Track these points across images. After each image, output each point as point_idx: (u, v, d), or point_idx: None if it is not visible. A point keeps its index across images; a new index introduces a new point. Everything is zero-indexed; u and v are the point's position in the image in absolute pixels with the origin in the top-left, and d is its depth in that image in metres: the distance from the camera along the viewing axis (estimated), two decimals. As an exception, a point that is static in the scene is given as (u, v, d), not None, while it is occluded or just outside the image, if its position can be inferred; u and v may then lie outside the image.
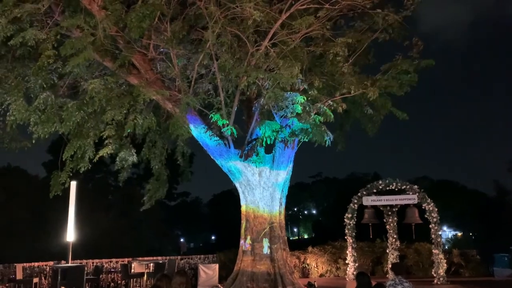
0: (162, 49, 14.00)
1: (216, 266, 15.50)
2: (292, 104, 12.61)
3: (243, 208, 14.05)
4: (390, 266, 15.53)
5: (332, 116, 14.07)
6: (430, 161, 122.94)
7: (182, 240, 66.13)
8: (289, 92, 12.79)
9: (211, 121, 13.55)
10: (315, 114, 13.59)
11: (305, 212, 78.06)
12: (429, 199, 14.95)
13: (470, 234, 51.09)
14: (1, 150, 13.81)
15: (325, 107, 13.61)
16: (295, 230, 78.34)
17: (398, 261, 15.56)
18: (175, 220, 57.22)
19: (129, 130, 12.87)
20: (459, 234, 51.61)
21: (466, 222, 49.46)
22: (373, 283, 6.00)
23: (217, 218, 62.80)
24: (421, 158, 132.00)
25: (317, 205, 74.75)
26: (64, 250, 13.64)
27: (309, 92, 13.88)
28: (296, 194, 62.43)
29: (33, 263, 13.41)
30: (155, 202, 15.79)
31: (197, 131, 13.70)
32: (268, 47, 12.93)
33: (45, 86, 12.87)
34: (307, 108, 12.76)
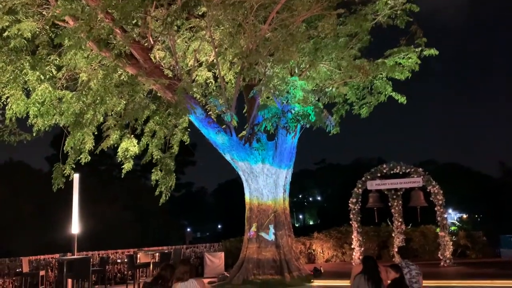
0: (160, 38, 13.85)
1: (222, 254, 15.51)
2: (294, 89, 12.45)
3: (246, 196, 13.99)
4: (396, 249, 15.48)
5: (336, 96, 13.98)
6: (435, 145, 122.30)
7: (189, 230, 66.49)
8: (289, 77, 12.66)
9: (208, 106, 13.47)
10: (317, 100, 13.48)
11: (310, 199, 78.09)
12: (434, 182, 14.82)
13: (476, 216, 51.03)
14: (3, 145, 13.74)
15: (328, 89, 13.51)
16: (301, 217, 78.50)
17: (404, 244, 15.51)
18: (181, 210, 57.39)
19: (127, 120, 12.75)
20: (465, 216, 51.57)
21: (472, 204, 49.36)
22: (380, 266, 5.91)
23: (223, 207, 63.00)
24: (425, 142, 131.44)
25: (322, 192, 74.73)
26: (71, 243, 13.63)
27: (312, 76, 13.77)
28: (300, 181, 62.37)
29: (39, 256, 13.43)
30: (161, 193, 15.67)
31: (198, 119, 13.57)
32: (268, 31, 12.77)
33: (43, 78, 12.75)
34: (307, 94, 12.61)
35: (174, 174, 15.21)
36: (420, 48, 13.55)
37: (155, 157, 15.04)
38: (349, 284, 6.14)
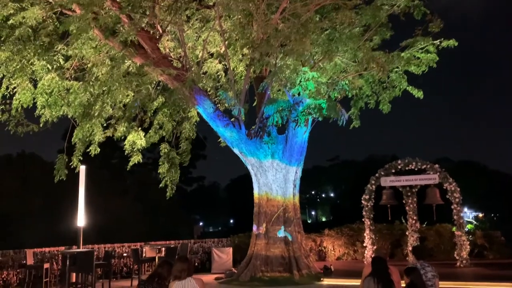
0: (169, 28, 13.55)
1: (230, 249, 15.20)
2: (305, 81, 12.01)
3: (255, 191, 13.64)
4: (410, 249, 14.99)
5: (350, 90, 13.51)
6: (449, 142, 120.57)
7: (201, 224, 66.54)
8: (301, 68, 12.23)
9: (219, 99, 13.13)
10: (332, 91, 13.01)
11: (323, 195, 77.61)
12: (451, 179, 14.26)
13: (492, 215, 49.97)
14: (16, 137, 13.61)
15: (342, 81, 13.04)
16: (313, 213, 78.07)
17: (419, 243, 14.99)
18: (193, 205, 57.42)
19: (132, 110, 12.50)
20: (481, 215, 50.61)
21: (488, 203, 48.37)
22: (390, 267, 5.49)
23: (235, 202, 62.83)
24: (440, 139, 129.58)
25: (335, 188, 74.20)
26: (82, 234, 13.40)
27: (325, 68, 13.33)
28: (314, 177, 61.93)
29: (44, 249, 13.27)
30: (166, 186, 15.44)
31: (206, 112, 13.24)
32: (279, 22, 12.37)
33: (50, 68, 12.56)
34: (320, 86, 12.15)
35: (179, 168, 14.94)
36: (438, 40, 13.02)
37: (162, 150, 14.79)
38: (359, 284, 5.76)
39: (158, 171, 14.81)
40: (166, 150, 14.78)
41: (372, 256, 6.08)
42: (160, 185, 14.76)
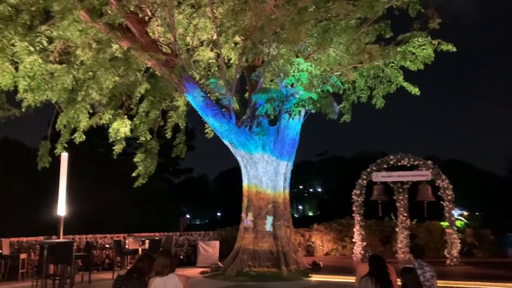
0: (159, 12, 13.04)
1: (217, 243, 14.83)
2: (299, 72, 11.62)
3: (244, 183, 13.27)
4: (399, 245, 14.77)
5: (342, 87, 13.17)
6: (437, 141, 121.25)
7: (188, 216, 66.00)
8: (294, 58, 11.83)
9: (209, 88, 12.70)
10: (323, 84, 12.63)
11: (311, 190, 77.56)
12: (443, 176, 14.03)
13: (477, 213, 50.26)
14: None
15: (335, 76, 12.67)
16: (300, 207, 78.04)
17: (409, 240, 14.78)
18: (181, 197, 56.79)
19: (116, 94, 11.99)
20: (466, 213, 50.89)
21: (474, 202, 48.59)
22: (388, 266, 5.15)
23: (223, 195, 62.41)
24: (428, 138, 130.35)
25: (323, 183, 74.11)
26: (67, 224, 12.88)
27: (320, 59, 12.95)
28: (302, 172, 61.69)
29: (21, 238, 12.71)
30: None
31: (196, 101, 12.78)
32: (274, 9, 11.94)
33: (32, 50, 11.95)
34: (313, 79, 11.76)
35: (156, 158, 14.51)
36: (437, 41, 12.67)
37: (141, 138, 14.32)
38: (349, 281, 5.41)
39: (135, 160, 14.35)
40: (143, 138, 14.30)
41: (369, 254, 5.72)
42: (133, 173, 14.34)
